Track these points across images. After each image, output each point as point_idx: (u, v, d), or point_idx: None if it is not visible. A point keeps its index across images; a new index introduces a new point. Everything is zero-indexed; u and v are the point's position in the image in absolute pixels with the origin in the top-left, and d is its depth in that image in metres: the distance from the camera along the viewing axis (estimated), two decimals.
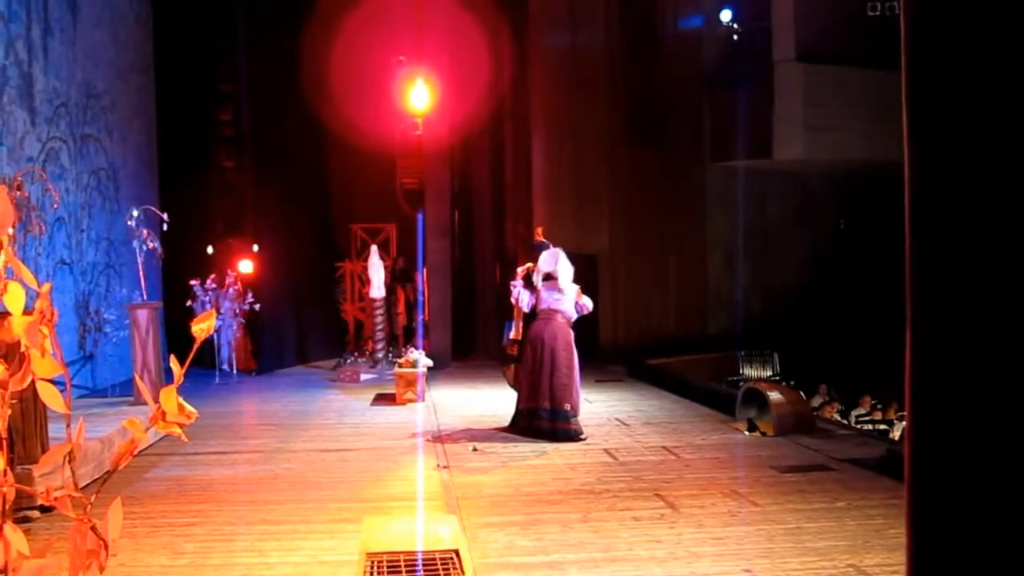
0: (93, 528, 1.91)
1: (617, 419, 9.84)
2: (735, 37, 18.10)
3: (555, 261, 8.99)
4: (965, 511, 1.93)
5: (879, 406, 14.75)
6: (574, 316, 9.01)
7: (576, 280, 9.08)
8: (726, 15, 18.05)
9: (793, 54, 16.69)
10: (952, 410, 1.95)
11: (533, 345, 8.84)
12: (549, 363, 8.68)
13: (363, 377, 13.32)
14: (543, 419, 8.65)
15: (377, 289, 14.96)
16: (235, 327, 13.63)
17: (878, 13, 16.06)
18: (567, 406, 8.65)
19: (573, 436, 8.57)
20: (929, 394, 2.01)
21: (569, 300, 8.92)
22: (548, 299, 8.90)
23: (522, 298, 9.07)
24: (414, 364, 11.19)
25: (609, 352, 15.56)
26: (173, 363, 2.06)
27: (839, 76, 16.51)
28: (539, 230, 9.96)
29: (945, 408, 1.97)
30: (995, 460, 1.88)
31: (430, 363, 11.74)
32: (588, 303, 9.06)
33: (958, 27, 1.91)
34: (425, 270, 15.67)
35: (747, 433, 8.87)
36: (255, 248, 14.84)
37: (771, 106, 16.71)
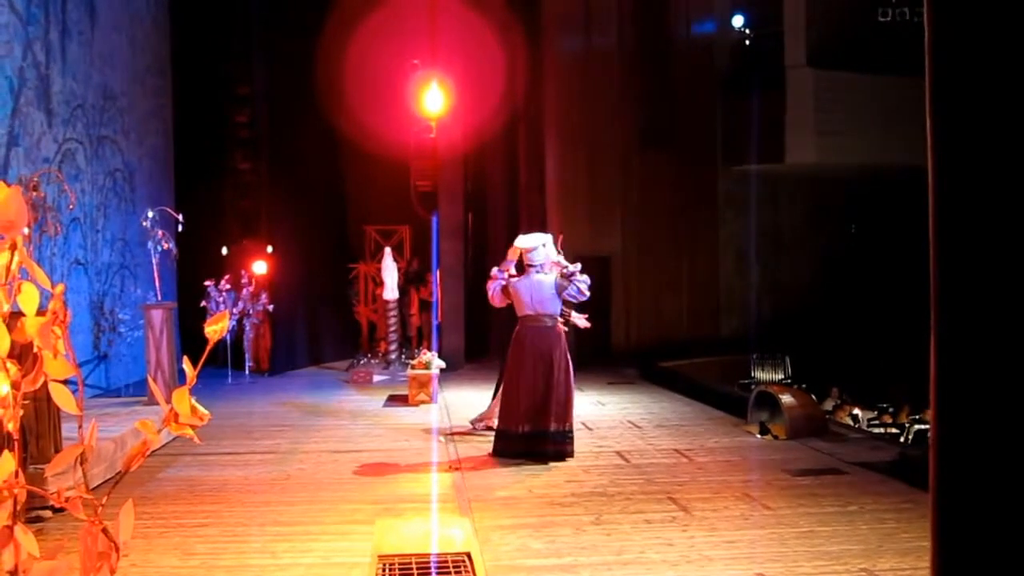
0: (104, 530, 1.92)
1: (629, 421, 9.83)
2: (747, 42, 18.11)
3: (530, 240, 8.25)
4: (992, 517, 1.92)
5: (890, 409, 14.66)
6: (566, 301, 8.16)
7: (590, 284, 8.30)
8: (738, 21, 18.05)
9: (804, 59, 16.66)
10: (978, 415, 1.94)
11: (522, 358, 8.01)
12: (550, 379, 7.89)
13: (376, 378, 13.34)
14: (550, 442, 7.86)
15: (390, 291, 14.98)
16: (250, 328, 13.68)
17: (889, 19, 16.02)
18: (568, 425, 7.99)
19: (571, 454, 7.93)
20: (954, 399, 2.00)
21: (550, 278, 8.07)
22: (529, 288, 8.06)
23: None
24: (427, 365, 11.21)
25: (621, 354, 15.54)
26: (186, 364, 2.07)
27: (850, 82, 16.47)
28: (559, 238, 9.46)
29: (971, 412, 1.96)
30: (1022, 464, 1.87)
31: (443, 364, 11.74)
32: (578, 287, 8.02)
33: (983, 31, 1.90)
34: (439, 272, 15.68)
35: (759, 436, 8.85)
36: (269, 249, 14.88)
37: (783, 111, 16.68)
